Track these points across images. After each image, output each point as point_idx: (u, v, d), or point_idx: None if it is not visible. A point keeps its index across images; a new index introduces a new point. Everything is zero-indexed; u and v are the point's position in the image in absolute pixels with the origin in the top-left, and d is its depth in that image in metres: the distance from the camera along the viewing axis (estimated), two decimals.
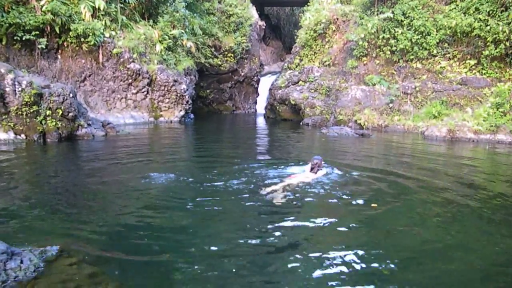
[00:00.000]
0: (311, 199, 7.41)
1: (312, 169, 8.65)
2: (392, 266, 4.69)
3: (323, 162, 8.93)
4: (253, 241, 5.53)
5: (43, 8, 16.98)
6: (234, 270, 4.65)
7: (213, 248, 5.22)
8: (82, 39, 17.97)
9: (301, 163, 10.10)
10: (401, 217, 6.53)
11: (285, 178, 8.55)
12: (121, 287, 4.30)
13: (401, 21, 20.26)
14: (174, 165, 10.55)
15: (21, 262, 4.58)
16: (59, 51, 18.20)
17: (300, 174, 8.75)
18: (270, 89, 24.76)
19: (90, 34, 17.89)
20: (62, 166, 10.36)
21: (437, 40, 19.96)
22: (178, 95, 20.41)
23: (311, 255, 5.02)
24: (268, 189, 7.78)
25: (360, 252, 5.03)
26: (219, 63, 27.49)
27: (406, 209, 6.88)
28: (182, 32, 22.06)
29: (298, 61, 24.54)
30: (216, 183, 8.33)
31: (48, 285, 4.27)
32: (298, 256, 5.01)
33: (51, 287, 4.23)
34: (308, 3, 26.10)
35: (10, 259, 4.57)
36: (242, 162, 10.72)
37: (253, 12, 30.61)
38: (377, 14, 21.00)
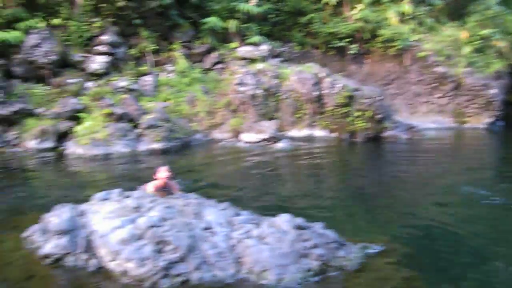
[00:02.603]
0: None
1: None
2: None
3: None
4: None
5: (355, 17, 18.11)
6: None
7: None
8: (389, 44, 18.33)
9: None
10: None
11: None
12: None
13: None
14: (481, 179, 9.44)
15: (347, 253, 4.92)
16: (367, 55, 19.07)
17: None
18: None
19: (397, 38, 18.10)
20: (376, 165, 10.81)
21: None
22: (487, 100, 18.62)
23: None
24: None
25: None
26: None
27: None
28: (494, 32, 20.01)
29: None
30: None
31: (366, 280, 4.48)
32: None
33: (368, 283, 4.43)
34: None
35: (339, 249, 4.95)
36: None
37: None
38: None
